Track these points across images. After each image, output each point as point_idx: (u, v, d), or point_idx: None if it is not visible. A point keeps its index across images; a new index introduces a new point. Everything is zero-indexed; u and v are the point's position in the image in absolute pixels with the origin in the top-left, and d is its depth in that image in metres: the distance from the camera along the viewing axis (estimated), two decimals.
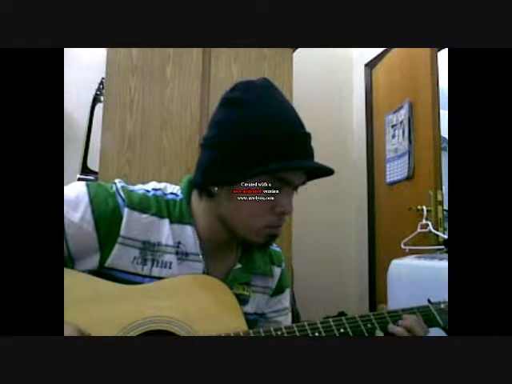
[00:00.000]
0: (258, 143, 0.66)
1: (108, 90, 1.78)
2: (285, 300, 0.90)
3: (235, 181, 0.69)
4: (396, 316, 0.74)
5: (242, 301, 0.78)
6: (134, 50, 1.81)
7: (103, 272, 0.68)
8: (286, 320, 0.89)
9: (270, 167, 0.66)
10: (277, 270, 0.87)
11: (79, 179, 1.93)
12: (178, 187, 0.78)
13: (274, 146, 0.66)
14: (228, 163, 0.68)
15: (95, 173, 1.88)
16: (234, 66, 1.97)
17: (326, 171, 0.71)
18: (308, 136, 0.71)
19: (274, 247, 0.89)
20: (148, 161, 1.79)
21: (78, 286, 0.66)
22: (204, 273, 0.74)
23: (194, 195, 0.76)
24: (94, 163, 1.89)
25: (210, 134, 0.72)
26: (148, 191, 0.74)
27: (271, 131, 0.67)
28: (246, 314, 0.76)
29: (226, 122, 0.70)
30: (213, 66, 1.93)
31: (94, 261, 0.68)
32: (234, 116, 0.70)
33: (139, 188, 0.75)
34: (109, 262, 0.68)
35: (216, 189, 0.71)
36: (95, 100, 2.05)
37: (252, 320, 0.80)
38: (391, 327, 0.72)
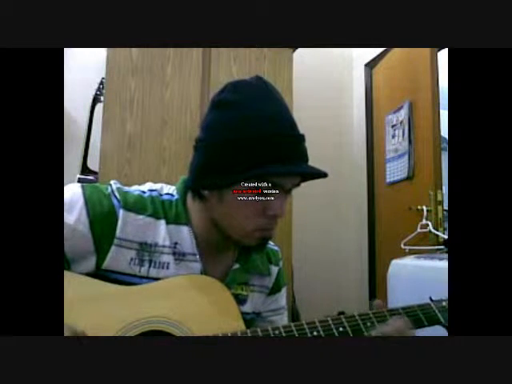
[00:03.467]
0: (248, 147, 0.64)
1: (108, 90, 1.79)
2: (281, 299, 0.89)
3: (225, 185, 0.67)
4: (396, 314, 0.73)
5: (241, 301, 0.77)
6: (134, 50, 1.81)
7: (100, 274, 0.68)
8: (282, 319, 0.89)
9: (261, 172, 0.65)
10: (274, 269, 0.87)
11: (79, 179, 1.93)
12: (173, 187, 0.78)
13: (265, 150, 0.64)
14: (218, 167, 0.67)
15: (95, 173, 1.88)
16: (233, 66, 1.97)
17: (320, 174, 0.69)
18: (301, 137, 0.69)
19: (272, 246, 0.89)
20: (148, 161, 1.80)
21: (75, 287, 0.65)
22: (201, 273, 0.74)
23: (189, 196, 0.75)
24: (94, 163, 1.89)
25: (200, 136, 0.71)
26: (144, 192, 0.74)
27: (262, 134, 0.65)
28: (244, 313, 0.75)
29: (216, 125, 0.69)
30: (213, 66, 1.93)
31: (90, 263, 0.68)
32: (223, 118, 0.68)
33: (135, 189, 0.74)
34: (106, 264, 0.68)
35: (207, 192, 0.70)
36: (95, 100, 2.05)
37: (250, 320, 0.80)
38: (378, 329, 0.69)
